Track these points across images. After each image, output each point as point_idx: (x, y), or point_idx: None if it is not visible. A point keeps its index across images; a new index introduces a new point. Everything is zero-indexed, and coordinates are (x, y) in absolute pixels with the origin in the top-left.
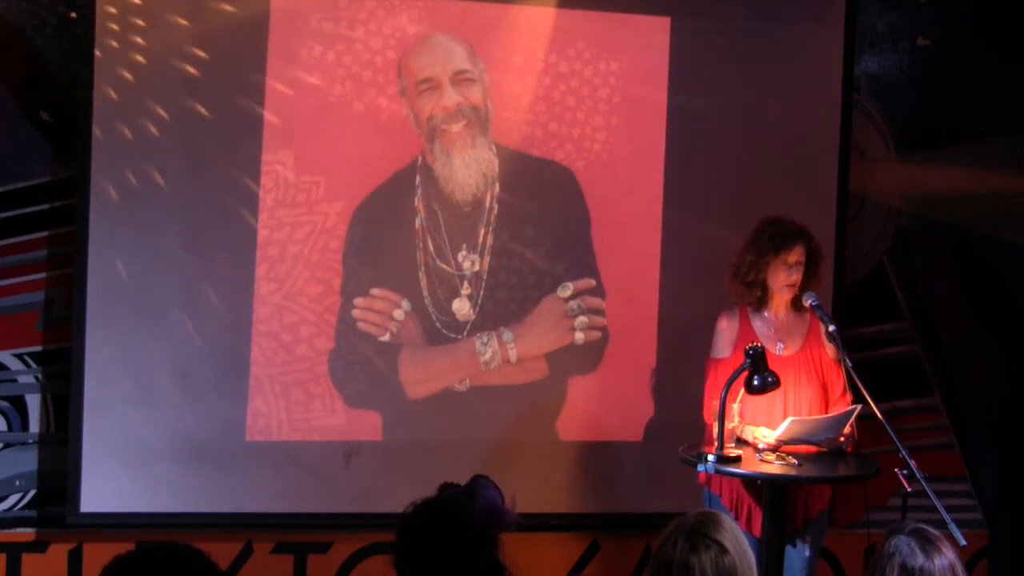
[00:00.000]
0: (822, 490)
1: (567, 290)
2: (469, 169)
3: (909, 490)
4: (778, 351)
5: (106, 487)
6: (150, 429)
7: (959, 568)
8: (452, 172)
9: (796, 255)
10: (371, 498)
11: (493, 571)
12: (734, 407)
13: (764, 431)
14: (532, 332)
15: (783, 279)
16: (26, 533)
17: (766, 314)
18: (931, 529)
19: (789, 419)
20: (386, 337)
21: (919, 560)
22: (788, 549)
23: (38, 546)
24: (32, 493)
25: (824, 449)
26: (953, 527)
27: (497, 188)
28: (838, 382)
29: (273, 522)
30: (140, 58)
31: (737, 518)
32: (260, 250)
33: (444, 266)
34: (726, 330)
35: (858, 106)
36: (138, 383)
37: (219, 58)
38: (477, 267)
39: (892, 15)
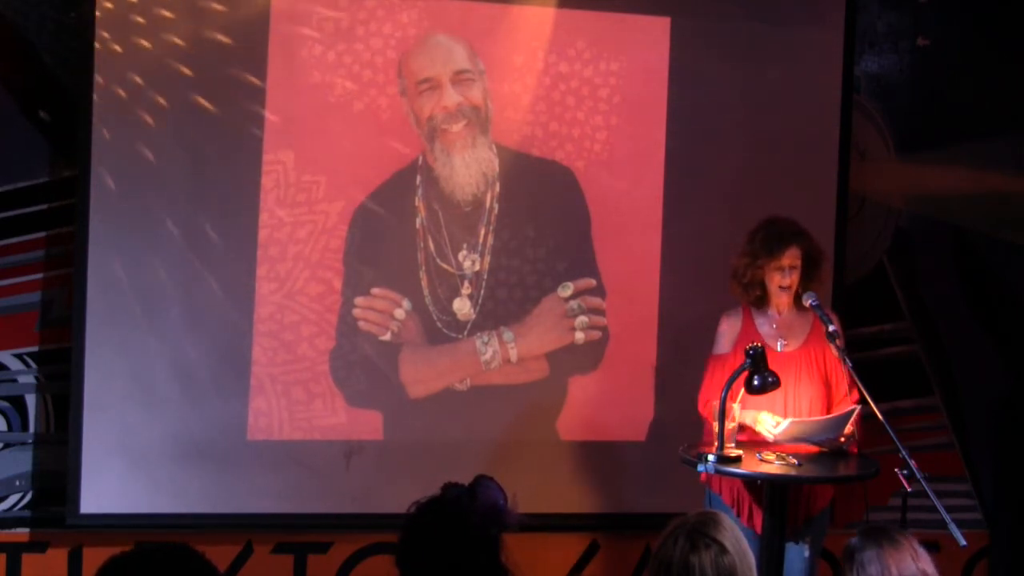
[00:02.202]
0: (824, 488)
1: (567, 290)
2: (469, 169)
3: (909, 490)
4: (779, 348)
5: (106, 487)
6: (150, 429)
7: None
8: (452, 172)
9: (789, 258)
10: (371, 498)
11: (495, 572)
12: (734, 407)
13: (765, 415)
14: (532, 332)
15: (777, 281)
16: (26, 533)
17: (769, 312)
18: (882, 523)
19: (788, 420)
20: (387, 336)
21: (868, 553)
22: (789, 547)
23: (38, 546)
24: (32, 493)
25: (825, 449)
26: (953, 527)
27: (497, 188)
28: (843, 380)
29: (273, 522)
30: (140, 58)
31: (739, 515)
32: (261, 250)
33: (445, 266)
34: (728, 328)
35: (858, 106)
36: (138, 383)
37: (219, 58)
38: (477, 267)
39: (892, 15)
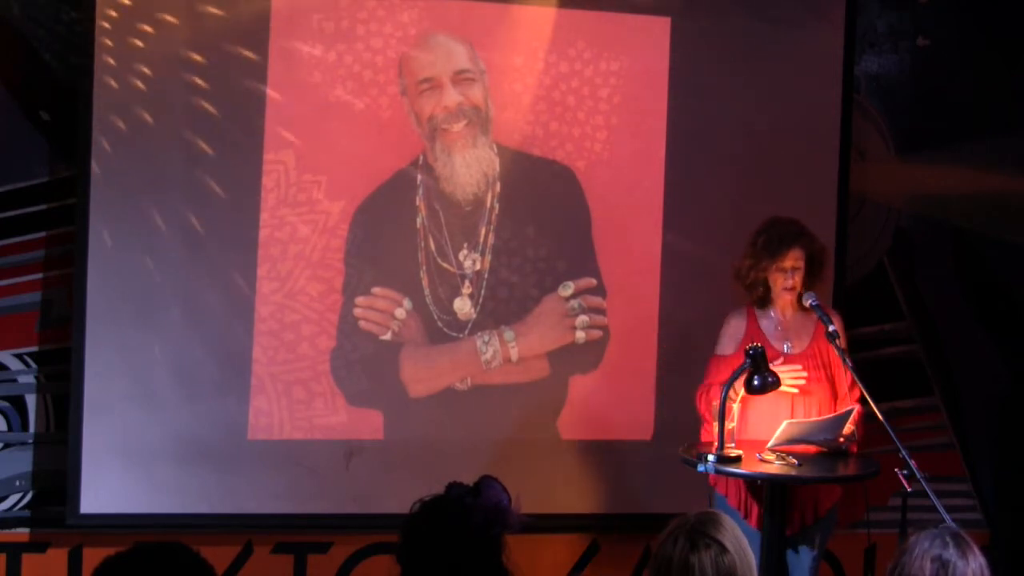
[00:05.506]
0: (831, 487)
1: (568, 289)
2: (470, 168)
3: (909, 490)
4: (785, 350)
5: (106, 487)
6: (150, 429)
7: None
8: (453, 171)
9: (792, 260)
10: (371, 498)
11: (496, 572)
12: (734, 407)
13: None
14: (533, 331)
15: (781, 283)
16: (26, 533)
17: (772, 313)
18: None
19: (784, 422)
20: (387, 336)
21: (952, 554)
22: (800, 547)
23: (38, 546)
24: (32, 493)
25: (825, 450)
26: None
27: (498, 187)
28: (845, 377)
29: (273, 522)
30: (140, 58)
31: (746, 517)
32: (262, 249)
33: (445, 265)
34: (732, 329)
35: (858, 106)
36: (139, 383)
37: (220, 58)
38: (478, 266)
39: (892, 15)
